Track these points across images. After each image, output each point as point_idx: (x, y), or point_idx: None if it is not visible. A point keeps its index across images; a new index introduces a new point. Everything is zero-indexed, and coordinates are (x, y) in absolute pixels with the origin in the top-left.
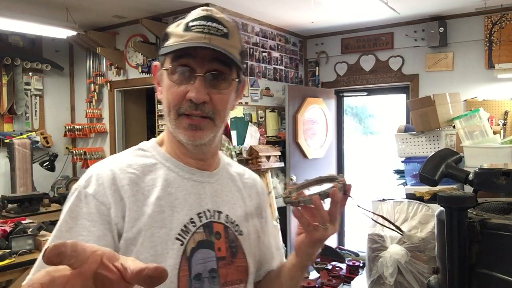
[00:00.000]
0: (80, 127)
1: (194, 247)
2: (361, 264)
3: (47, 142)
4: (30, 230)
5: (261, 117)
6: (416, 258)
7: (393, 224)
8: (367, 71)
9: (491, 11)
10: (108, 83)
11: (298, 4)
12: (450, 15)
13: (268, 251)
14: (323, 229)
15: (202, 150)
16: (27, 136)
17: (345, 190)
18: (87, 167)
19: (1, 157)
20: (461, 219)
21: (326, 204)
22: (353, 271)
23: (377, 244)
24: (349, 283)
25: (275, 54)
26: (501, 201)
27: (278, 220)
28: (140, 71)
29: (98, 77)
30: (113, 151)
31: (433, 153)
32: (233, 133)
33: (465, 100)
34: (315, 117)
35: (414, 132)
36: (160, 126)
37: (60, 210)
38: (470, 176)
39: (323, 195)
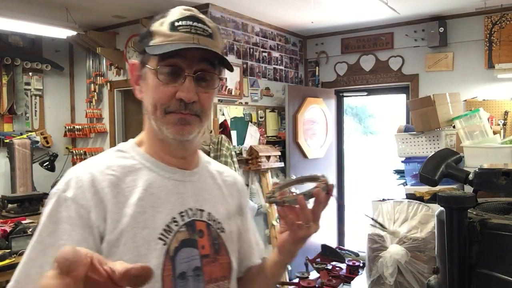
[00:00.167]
0: (80, 127)
1: (177, 246)
2: (361, 264)
3: (47, 142)
4: (30, 230)
5: (261, 117)
6: (416, 258)
7: (375, 221)
8: (367, 71)
9: (491, 11)
10: (108, 83)
11: (298, 4)
12: (450, 15)
13: (248, 247)
14: (306, 228)
15: (185, 146)
16: (27, 136)
17: (328, 190)
18: None
19: (1, 157)
20: (461, 219)
21: (310, 203)
22: (353, 271)
23: (377, 244)
24: (349, 283)
25: (275, 54)
26: (501, 201)
27: (278, 220)
28: None
29: (98, 77)
30: None
31: (433, 153)
32: (233, 133)
33: (465, 100)
34: (315, 117)
35: (414, 132)
36: None
37: None
38: (470, 176)
39: (308, 195)
